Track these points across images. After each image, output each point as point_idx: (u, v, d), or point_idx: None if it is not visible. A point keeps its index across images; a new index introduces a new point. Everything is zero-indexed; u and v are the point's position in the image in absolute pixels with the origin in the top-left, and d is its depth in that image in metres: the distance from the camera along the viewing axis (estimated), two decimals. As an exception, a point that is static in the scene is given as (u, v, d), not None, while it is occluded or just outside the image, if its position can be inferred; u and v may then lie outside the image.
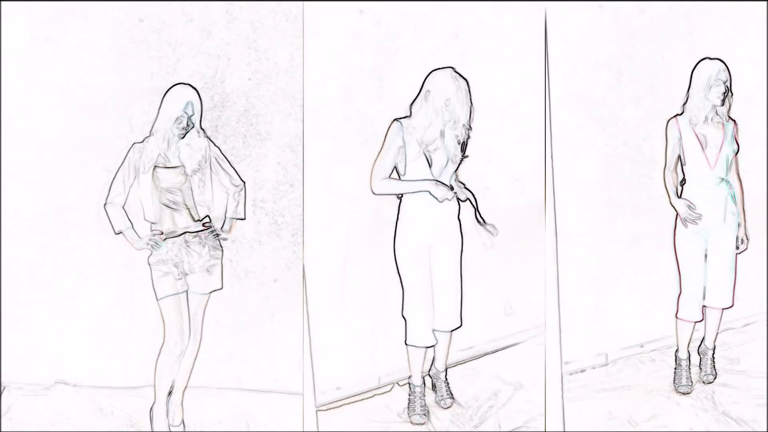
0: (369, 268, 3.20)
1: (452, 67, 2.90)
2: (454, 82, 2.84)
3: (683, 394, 3.02)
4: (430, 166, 2.84)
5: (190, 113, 2.76)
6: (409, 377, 3.00)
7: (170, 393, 2.87)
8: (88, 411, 2.84)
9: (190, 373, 2.90)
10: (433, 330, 2.93)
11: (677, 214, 3.01)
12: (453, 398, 3.02)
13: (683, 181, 3.02)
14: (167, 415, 2.85)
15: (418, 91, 2.92)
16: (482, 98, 3.12)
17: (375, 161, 2.91)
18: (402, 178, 2.89)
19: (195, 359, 2.90)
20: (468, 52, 3.07)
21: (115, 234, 2.80)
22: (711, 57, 2.91)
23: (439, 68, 2.91)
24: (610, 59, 3.05)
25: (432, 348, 2.98)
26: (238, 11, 2.96)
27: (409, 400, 2.99)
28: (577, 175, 3.09)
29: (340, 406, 3.03)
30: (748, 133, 3.11)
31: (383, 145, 2.90)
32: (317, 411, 2.99)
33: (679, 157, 2.99)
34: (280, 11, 2.98)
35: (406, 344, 2.96)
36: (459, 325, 2.99)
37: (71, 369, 2.92)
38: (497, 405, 3.01)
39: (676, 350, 3.07)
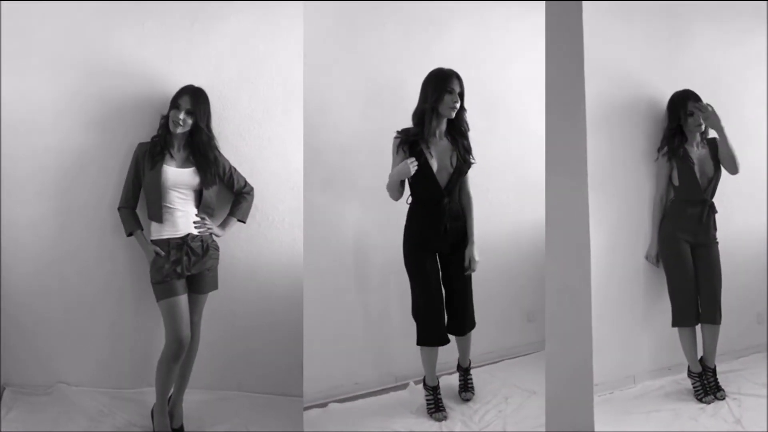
0: (369, 270, 3.18)
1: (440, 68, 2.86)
2: (436, 74, 2.82)
3: (706, 404, 3.04)
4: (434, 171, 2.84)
5: (189, 107, 2.74)
6: (424, 378, 3.01)
7: (170, 395, 2.84)
8: (88, 412, 2.84)
9: (189, 375, 2.87)
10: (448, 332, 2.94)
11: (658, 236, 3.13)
12: (473, 392, 3.09)
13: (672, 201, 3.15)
14: (167, 417, 2.81)
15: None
16: (483, 104, 3.14)
17: None
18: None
19: (193, 361, 2.88)
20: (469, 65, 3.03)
21: (127, 236, 2.80)
22: (679, 89, 3.11)
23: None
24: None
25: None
26: (240, 14, 2.95)
27: (426, 399, 3.00)
28: (612, 187, 3.05)
29: (355, 399, 3.11)
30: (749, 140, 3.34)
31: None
32: (331, 402, 3.05)
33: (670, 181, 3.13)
34: (281, 13, 2.96)
35: (417, 345, 2.94)
36: (472, 328, 3.00)
37: (72, 370, 2.95)
38: (507, 409, 3.00)
39: (689, 366, 3.10)
